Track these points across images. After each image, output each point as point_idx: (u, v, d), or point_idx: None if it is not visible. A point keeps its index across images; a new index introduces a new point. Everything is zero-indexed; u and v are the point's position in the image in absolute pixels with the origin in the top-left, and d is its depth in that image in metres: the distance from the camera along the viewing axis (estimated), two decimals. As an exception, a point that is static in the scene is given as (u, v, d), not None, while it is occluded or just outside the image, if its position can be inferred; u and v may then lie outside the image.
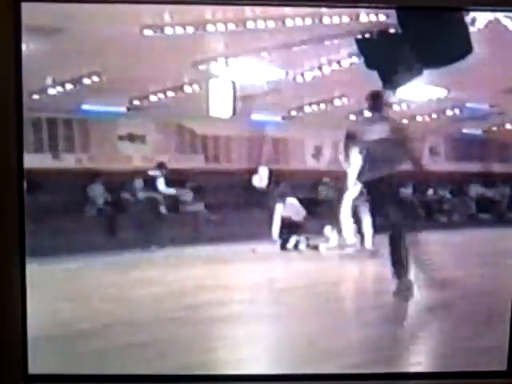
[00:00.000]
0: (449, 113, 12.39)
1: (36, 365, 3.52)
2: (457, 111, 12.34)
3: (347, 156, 10.13)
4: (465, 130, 13.35)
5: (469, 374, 3.79)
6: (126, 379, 3.79)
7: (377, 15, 7.45)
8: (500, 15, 6.17)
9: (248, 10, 7.64)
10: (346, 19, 8.33)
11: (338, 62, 9.79)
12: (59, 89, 9.82)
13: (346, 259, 9.87)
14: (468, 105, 12.03)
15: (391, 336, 6.05)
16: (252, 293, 7.99)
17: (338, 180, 10.33)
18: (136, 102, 10.74)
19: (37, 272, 7.98)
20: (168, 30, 8.20)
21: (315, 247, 10.53)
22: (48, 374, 3.66)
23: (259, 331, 6.42)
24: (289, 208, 10.87)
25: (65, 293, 7.77)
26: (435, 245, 10.67)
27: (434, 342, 6.02)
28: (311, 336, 6.05)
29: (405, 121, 12.65)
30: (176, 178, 11.56)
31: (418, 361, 5.43)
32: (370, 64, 7.19)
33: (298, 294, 7.91)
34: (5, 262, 3.33)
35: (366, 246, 10.09)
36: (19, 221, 3.35)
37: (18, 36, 3.23)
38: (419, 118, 12.47)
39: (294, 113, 11.88)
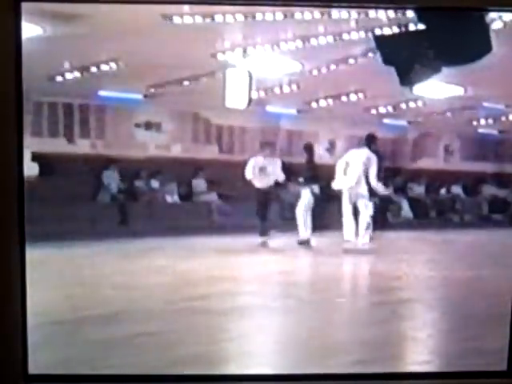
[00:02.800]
0: (465, 111, 12.35)
1: (36, 365, 3.52)
2: (473, 110, 12.31)
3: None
4: (480, 130, 13.31)
5: (469, 374, 3.79)
6: (126, 379, 3.79)
7: (395, 11, 7.43)
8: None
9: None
10: (364, 14, 8.32)
11: (355, 57, 9.77)
12: (77, 74, 9.85)
13: (353, 255, 9.87)
14: (484, 104, 11.98)
15: (392, 335, 6.06)
16: (261, 285, 8.01)
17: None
18: (153, 90, 10.77)
19: (47, 257, 8.08)
20: (187, 19, 8.21)
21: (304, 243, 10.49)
22: (48, 374, 3.66)
23: (267, 324, 6.44)
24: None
25: (75, 279, 7.81)
26: (446, 244, 10.69)
27: (434, 341, 6.02)
28: (318, 330, 6.07)
29: (420, 118, 12.64)
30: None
31: (419, 360, 5.44)
32: (387, 60, 7.16)
33: (307, 288, 7.93)
34: (4, 261, 3.30)
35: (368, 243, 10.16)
36: (19, 212, 3.33)
37: (18, 36, 3.21)
38: (435, 116, 12.44)
39: (309, 106, 11.87)
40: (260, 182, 10.70)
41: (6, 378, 3.36)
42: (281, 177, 10.89)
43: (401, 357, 5.50)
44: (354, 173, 10.31)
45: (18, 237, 3.30)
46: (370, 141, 10.52)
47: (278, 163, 10.92)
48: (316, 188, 11.00)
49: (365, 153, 10.38)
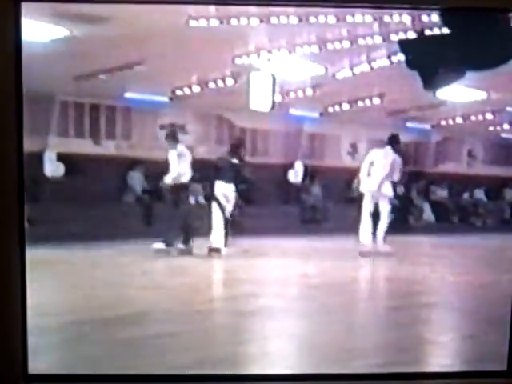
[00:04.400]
0: (488, 116, 12.32)
1: (36, 365, 3.53)
2: (496, 115, 12.27)
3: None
4: (503, 135, 13.25)
5: (469, 374, 3.80)
6: (127, 379, 3.80)
7: (419, 15, 7.45)
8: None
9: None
10: (388, 18, 8.33)
11: (379, 61, 9.78)
12: (103, 76, 9.92)
13: (374, 258, 9.86)
14: (508, 109, 11.94)
15: (407, 338, 6.06)
16: (282, 288, 8.02)
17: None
18: (178, 92, 10.82)
19: (71, 257, 8.15)
20: (213, 22, 8.27)
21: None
22: (48, 374, 3.67)
23: (288, 326, 6.45)
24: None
25: (99, 279, 7.88)
26: (469, 248, 10.64)
27: (434, 342, 6.02)
28: (337, 334, 6.08)
29: (443, 122, 12.61)
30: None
31: (419, 361, 5.45)
32: (410, 64, 7.18)
33: (328, 291, 7.93)
34: (4, 261, 3.30)
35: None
36: (19, 214, 3.34)
37: (18, 35, 3.20)
38: (458, 120, 12.41)
39: (331, 109, 11.89)
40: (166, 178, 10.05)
41: (6, 378, 3.36)
42: (188, 174, 10.04)
43: (399, 357, 5.49)
44: (378, 174, 10.25)
45: (18, 237, 3.31)
46: (393, 141, 10.44)
47: (187, 158, 10.10)
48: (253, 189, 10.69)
49: (390, 154, 10.31)
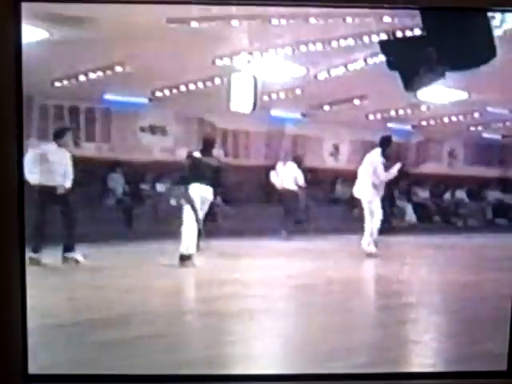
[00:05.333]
0: (469, 116, 12.37)
1: (36, 365, 3.56)
2: (477, 115, 12.33)
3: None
4: (484, 135, 13.32)
5: (469, 374, 3.81)
6: (126, 379, 3.81)
7: (400, 16, 7.47)
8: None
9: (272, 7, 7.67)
10: (369, 19, 8.33)
11: (360, 62, 9.80)
12: (82, 78, 9.88)
13: (358, 258, 9.88)
14: (488, 109, 12.00)
15: (395, 338, 6.08)
16: (266, 288, 8.03)
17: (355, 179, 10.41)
18: (158, 94, 10.79)
19: (52, 260, 8.10)
20: (193, 23, 8.25)
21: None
22: (48, 374, 3.69)
23: (272, 327, 6.46)
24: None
25: (80, 282, 7.86)
26: (450, 248, 10.70)
27: (434, 342, 6.04)
28: (321, 334, 6.09)
29: (424, 123, 12.66)
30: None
31: (419, 361, 5.46)
32: (391, 65, 7.20)
33: (311, 291, 7.94)
34: (4, 262, 3.32)
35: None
36: (19, 216, 3.33)
37: (18, 35, 3.21)
38: (439, 121, 12.46)
39: (313, 110, 11.90)
40: (41, 176, 8.73)
41: (6, 378, 3.38)
42: (68, 175, 9.01)
43: (400, 357, 5.51)
44: (364, 177, 10.24)
45: (17, 239, 3.31)
46: (384, 143, 10.42)
47: (67, 154, 9.15)
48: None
49: (374, 154, 10.29)
